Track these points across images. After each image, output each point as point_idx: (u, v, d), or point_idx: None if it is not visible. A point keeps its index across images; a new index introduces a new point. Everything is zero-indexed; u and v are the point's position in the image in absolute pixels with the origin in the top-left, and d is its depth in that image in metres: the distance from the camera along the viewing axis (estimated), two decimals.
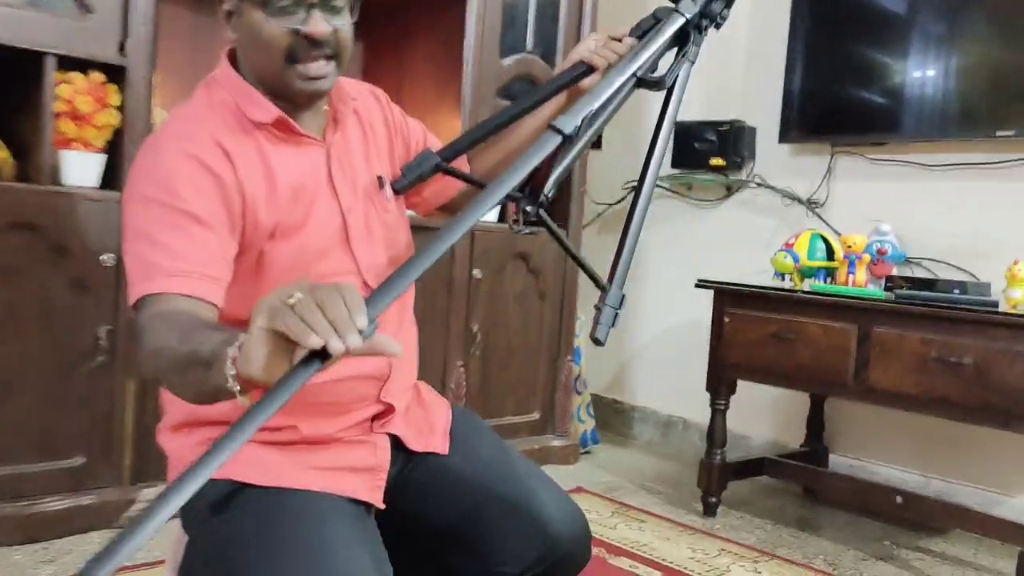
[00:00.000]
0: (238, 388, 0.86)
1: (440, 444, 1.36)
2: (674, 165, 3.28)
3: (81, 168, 2.01)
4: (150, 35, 2.06)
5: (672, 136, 1.39)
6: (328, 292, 0.80)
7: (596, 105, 1.18)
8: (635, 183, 3.47)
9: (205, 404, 0.97)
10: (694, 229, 3.32)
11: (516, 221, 1.18)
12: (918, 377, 2.09)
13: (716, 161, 3.15)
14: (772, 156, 3.09)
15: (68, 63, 1.97)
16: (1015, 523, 2.04)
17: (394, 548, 1.18)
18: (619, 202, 3.52)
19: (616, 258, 1.29)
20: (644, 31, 1.34)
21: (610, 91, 1.21)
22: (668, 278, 3.32)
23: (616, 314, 1.27)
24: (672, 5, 1.33)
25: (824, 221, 2.93)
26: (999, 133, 2.50)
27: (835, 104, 2.88)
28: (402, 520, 1.30)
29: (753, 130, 3.14)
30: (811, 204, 2.97)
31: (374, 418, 1.30)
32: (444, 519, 1.31)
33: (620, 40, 1.36)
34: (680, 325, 3.28)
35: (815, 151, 2.98)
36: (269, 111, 1.19)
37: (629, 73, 1.25)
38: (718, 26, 1.38)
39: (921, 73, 2.69)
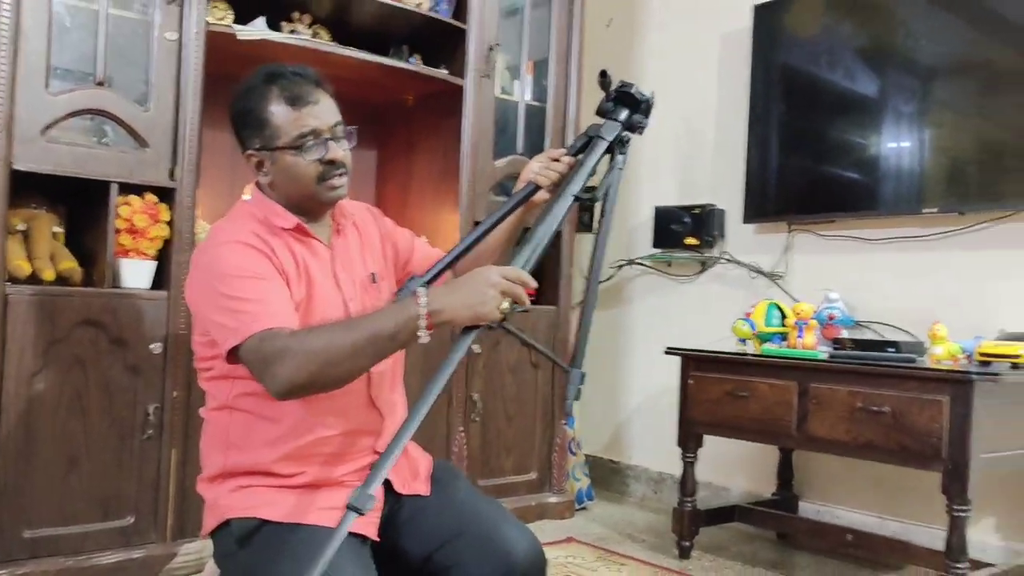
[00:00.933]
0: (425, 333, 1.38)
1: (423, 487, 1.71)
2: (655, 245, 3.67)
3: (136, 273, 2.43)
4: (195, 161, 2.50)
5: (607, 240, 1.72)
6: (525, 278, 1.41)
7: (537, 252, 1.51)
8: (623, 262, 3.86)
9: (362, 373, 1.46)
10: (674, 301, 3.68)
11: (489, 327, 1.48)
12: (848, 425, 2.41)
13: (691, 240, 3.53)
14: (739, 234, 3.47)
15: (128, 188, 2.41)
16: (936, 550, 2.33)
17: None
18: (608, 279, 3.90)
19: (576, 341, 1.62)
20: (578, 148, 1.71)
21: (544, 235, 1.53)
22: (653, 346, 3.65)
23: (579, 390, 1.60)
24: (600, 123, 1.68)
25: (785, 292, 3.28)
26: (924, 210, 2.86)
27: (789, 186, 3.27)
28: (391, 552, 1.64)
29: (722, 212, 3.52)
30: (773, 276, 3.33)
31: (370, 466, 1.66)
32: (424, 550, 1.63)
33: (559, 160, 1.74)
34: (665, 388, 3.60)
35: (775, 229, 3.35)
36: (289, 219, 1.61)
37: (568, 201, 1.60)
38: (640, 133, 1.74)
39: (860, 158, 3.06)
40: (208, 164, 2.74)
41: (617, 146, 1.68)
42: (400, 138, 3.43)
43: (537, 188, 1.72)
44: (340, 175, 1.60)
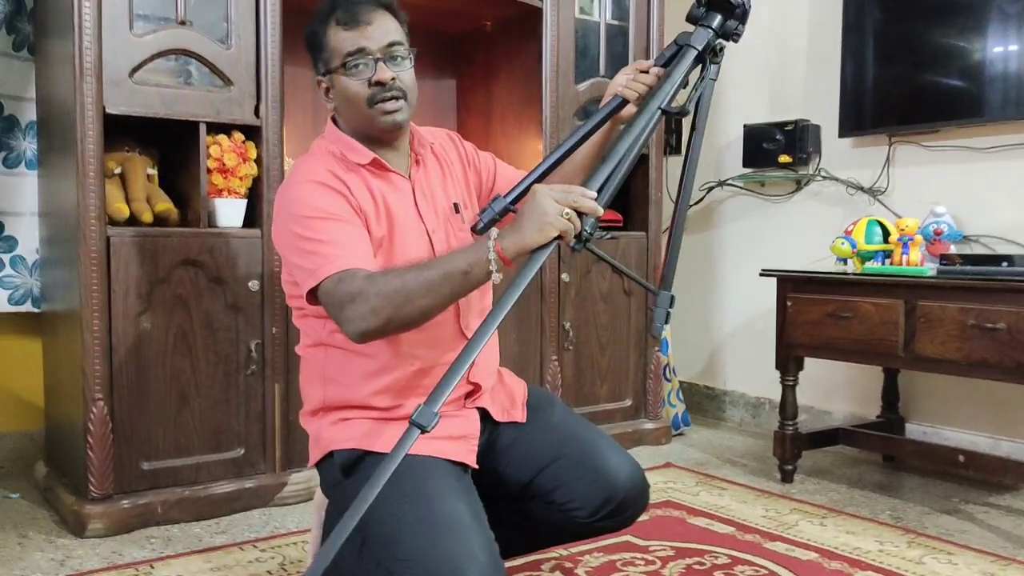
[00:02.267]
0: (496, 269, 1.36)
1: (519, 414, 1.71)
2: (746, 164, 3.54)
3: (230, 212, 2.47)
4: (278, 97, 2.50)
5: (698, 157, 1.64)
6: (577, 195, 1.37)
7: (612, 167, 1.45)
8: (713, 183, 3.76)
9: (437, 313, 1.44)
10: (768, 223, 3.56)
11: (572, 249, 1.43)
12: (959, 343, 2.30)
13: (784, 158, 3.39)
14: (835, 150, 3.31)
15: (216, 128, 2.43)
16: None
17: (486, 500, 1.52)
18: (698, 202, 3.79)
19: (664, 263, 1.58)
20: (667, 59, 1.62)
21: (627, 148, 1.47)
22: (747, 270, 3.56)
23: (668, 313, 1.56)
24: (690, 31, 1.59)
25: (887, 207, 3.13)
26: None
27: (888, 97, 3.09)
28: (492, 477, 1.65)
29: (817, 127, 3.36)
30: (873, 192, 3.17)
31: (466, 396, 1.67)
32: (524, 475, 1.65)
33: (647, 72, 1.66)
34: (761, 312, 3.52)
35: (874, 142, 3.18)
36: (365, 155, 1.59)
37: (652, 111, 1.53)
38: (735, 41, 1.64)
39: (964, 63, 2.87)
40: (292, 100, 2.75)
41: (709, 55, 1.59)
42: (479, 66, 3.37)
43: (624, 102, 1.66)
44: (393, 98, 1.55)
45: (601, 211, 1.39)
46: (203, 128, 2.40)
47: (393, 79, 1.54)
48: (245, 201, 2.49)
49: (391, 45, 1.56)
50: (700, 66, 1.59)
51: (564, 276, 3.06)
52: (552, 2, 3.03)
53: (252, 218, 2.52)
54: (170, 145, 2.53)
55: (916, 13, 2.99)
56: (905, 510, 2.54)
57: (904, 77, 3.03)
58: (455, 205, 1.70)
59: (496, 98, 3.30)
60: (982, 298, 2.29)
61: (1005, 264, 2.40)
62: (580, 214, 1.36)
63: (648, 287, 1.54)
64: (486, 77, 3.34)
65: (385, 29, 1.56)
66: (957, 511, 2.54)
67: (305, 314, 1.63)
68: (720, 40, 1.59)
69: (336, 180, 1.54)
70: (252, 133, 2.49)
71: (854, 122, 3.17)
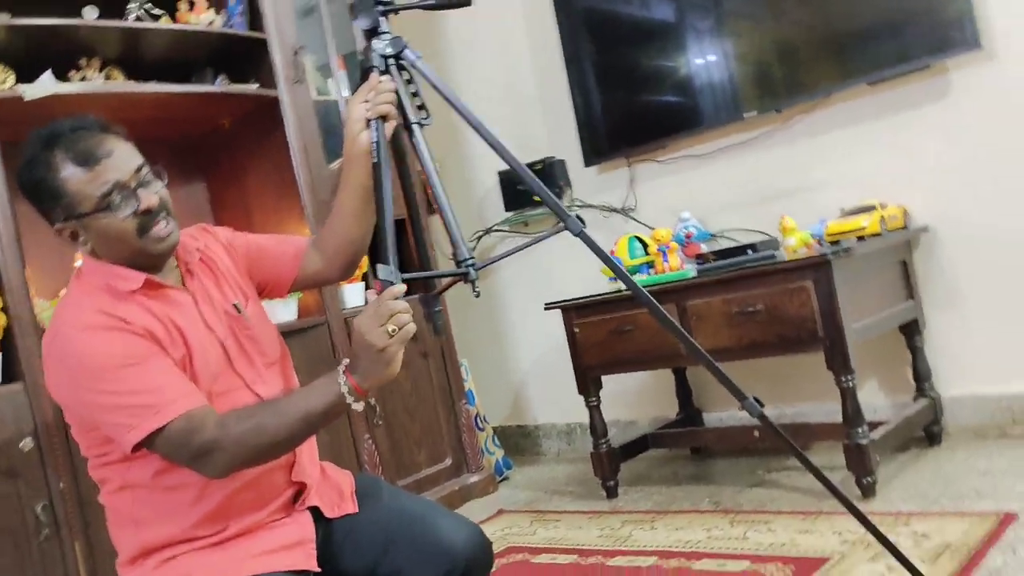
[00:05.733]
0: (356, 401, 1.36)
1: (350, 506, 1.68)
2: (507, 208, 3.70)
3: None
4: (13, 238, 2.33)
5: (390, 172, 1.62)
6: (390, 306, 1.33)
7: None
8: (481, 232, 3.84)
9: (303, 442, 1.45)
10: (540, 259, 3.73)
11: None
12: (729, 331, 2.53)
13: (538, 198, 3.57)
14: (584, 179, 3.54)
15: None
16: (837, 424, 2.49)
17: None
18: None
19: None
20: (367, 69, 1.60)
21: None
22: (532, 306, 3.71)
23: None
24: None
25: (640, 223, 3.38)
26: (745, 115, 3.01)
27: (618, 122, 3.37)
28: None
29: (563, 161, 3.59)
30: (625, 211, 3.43)
31: (293, 499, 1.62)
32: (366, 567, 1.60)
33: (380, 84, 1.60)
34: (553, 344, 3.66)
35: (615, 166, 3.44)
36: (136, 278, 1.48)
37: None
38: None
39: (674, 80, 3.18)
40: (29, 237, 2.56)
41: (394, 60, 1.61)
42: (227, 164, 3.31)
43: (385, 118, 1.60)
44: (163, 220, 1.49)
45: (407, 306, 1.37)
46: None
47: (160, 202, 1.49)
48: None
49: (139, 170, 1.49)
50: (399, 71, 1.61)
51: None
52: (287, 90, 3.05)
53: (11, 372, 2.31)
54: None
55: (625, 41, 3.29)
56: (721, 494, 2.73)
57: (627, 101, 3.31)
58: (235, 306, 1.65)
59: (251, 192, 3.25)
60: (739, 286, 2.53)
61: (750, 252, 2.67)
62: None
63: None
64: (236, 173, 3.28)
65: (126, 155, 1.48)
66: (764, 482, 2.77)
67: (107, 461, 1.51)
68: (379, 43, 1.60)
69: (110, 318, 1.43)
70: None
71: (594, 151, 3.42)
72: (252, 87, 3.03)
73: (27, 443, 2.27)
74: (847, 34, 2.80)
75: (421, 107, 1.63)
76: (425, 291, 1.63)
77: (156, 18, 2.88)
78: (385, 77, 1.60)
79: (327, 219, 1.72)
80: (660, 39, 3.21)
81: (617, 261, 2.95)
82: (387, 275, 1.40)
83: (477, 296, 1.59)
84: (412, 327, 1.35)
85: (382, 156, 1.56)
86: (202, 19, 2.96)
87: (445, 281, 1.71)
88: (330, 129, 3.23)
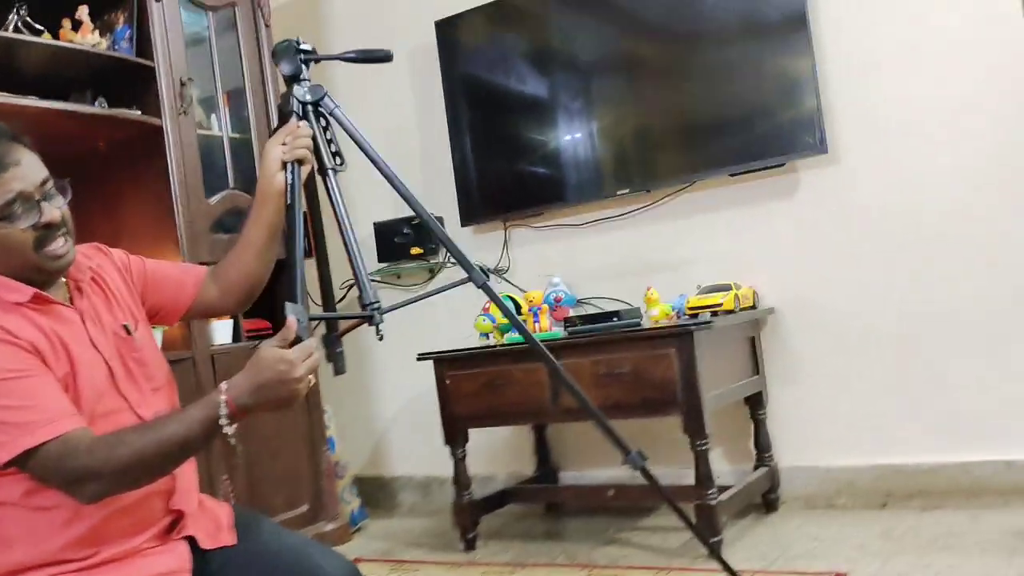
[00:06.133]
0: (230, 423, 1.35)
1: (228, 538, 1.66)
2: (380, 259, 3.75)
3: None
4: None
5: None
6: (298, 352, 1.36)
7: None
8: (352, 281, 3.83)
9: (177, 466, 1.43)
10: (410, 310, 3.75)
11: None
12: (596, 391, 2.66)
13: (415, 250, 3.65)
14: (460, 237, 3.64)
15: None
16: (688, 486, 2.66)
17: None
18: (340, 300, 3.91)
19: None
20: (286, 114, 1.67)
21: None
22: (398, 357, 3.73)
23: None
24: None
25: (512, 284, 3.51)
26: (619, 192, 3.22)
27: (495, 187, 3.52)
28: None
29: (440, 218, 3.68)
30: (499, 272, 3.55)
31: (169, 527, 1.59)
32: None
33: (297, 129, 1.67)
34: (418, 394, 3.70)
35: (491, 228, 3.58)
36: (24, 291, 1.45)
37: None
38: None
39: (547, 154, 3.37)
40: None
41: (312, 107, 1.69)
42: (100, 189, 3.20)
43: (300, 162, 1.66)
44: (62, 236, 1.47)
45: (313, 344, 1.42)
46: None
47: (61, 218, 1.46)
48: None
49: (44, 183, 1.46)
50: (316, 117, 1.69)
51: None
52: (171, 119, 3.01)
53: None
54: None
55: (504, 112, 3.46)
56: (575, 550, 2.83)
57: (505, 169, 3.47)
58: (125, 327, 1.63)
59: (124, 219, 3.16)
60: (606, 349, 2.68)
61: (615, 319, 2.84)
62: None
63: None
64: (109, 198, 3.18)
65: (34, 166, 1.45)
66: (616, 540, 2.89)
67: None
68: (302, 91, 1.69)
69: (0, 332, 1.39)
70: None
71: (471, 212, 3.54)
72: (135, 113, 2.98)
73: None
74: (714, 128, 3.08)
75: (336, 153, 1.71)
76: (328, 332, 1.67)
77: (38, 32, 2.80)
78: (303, 123, 1.67)
79: (229, 252, 1.74)
80: (535, 111, 3.40)
81: (490, 318, 3.06)
82: (295, 312, 1.43)
83: (380, 339, 1.66)
84: (314, 361, 1.40)
85: (296, 198, 1.63)
86: (87, 40, 2.90)
87: (348, 323, 1.76)
88: (211, 165, 3.20)
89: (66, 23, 2.90)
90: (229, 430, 1.36)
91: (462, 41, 3.55)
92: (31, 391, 1.36)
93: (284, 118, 1.68)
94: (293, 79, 1.71)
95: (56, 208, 1.46)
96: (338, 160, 1.71)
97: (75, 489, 1.35)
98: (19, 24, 2.76)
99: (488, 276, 1.72)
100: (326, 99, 1.70)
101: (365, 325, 1.73)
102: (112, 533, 1.48)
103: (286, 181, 1.65)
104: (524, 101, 3.44)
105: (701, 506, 2.56)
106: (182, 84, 3.08)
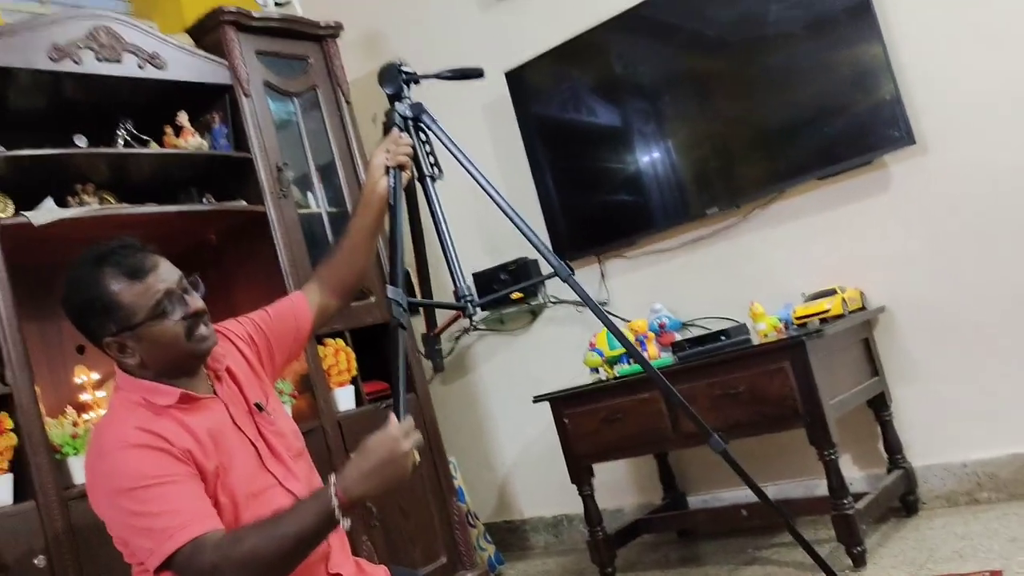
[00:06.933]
0: (344, 517, 1.41)
1: None
2: (483, 308, 3.84)
3: None
4: (23, 359, 2.38)
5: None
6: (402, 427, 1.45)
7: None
8: (459, 332, 3.92)
9: (301, 561, 1.46)
10: (518, 354, 3.86)
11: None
12: (715, 413, 2.67)
13: (515, 295, 3.73)
14: (556, 279, 3.70)
15: None
16: (822, 497, 2.62)
17: None
18: (450, 353, 4.02)
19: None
20: (391, 124, 1.91)
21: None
22: (512, 401, 3.82)
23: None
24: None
25: (615, 315, 3.54)
26: (707, 211, 3.24)
27: (584, 222, 3.58)
28: None
29: (535, 261, 3.75)
30: (600, 306, 3.59)
31: None
32: None
33: (399, 139, 1.90)
34: (535, 436, 3.76)
35: (586, 263, 3.62)
36: (171, 393, 1.59)
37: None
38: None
39: (630, 181, 3.41)
40: (37, 357, 2.61)
41: (412, 121, 1.93)
42: (214, 277, 3.40)
43: (402, 168, 1.88)
44: (206, 323, 1.62)
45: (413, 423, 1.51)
46: None
47: (203, 306, 1.60)
48: (11, 475, 2.31)
49: (181, 279, 1.62)
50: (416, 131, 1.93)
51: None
52: (273, 205, 3.18)
53: (23, 491, 2.33)
54: None
55: (583, 147, 3.53)
56: (716, 573, 2.82)
57: (591, 202, 3.53)
58: (257, 405, 1.74)
59: (239, 303, 3.33)
60: (719, 370, 2.69)
61: (723, 338, 2.84)
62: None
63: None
64: (224, 286, 3.37)
65: (169, 267, 1.62)
66: (757, 559, 2.87)
67: (144, 570, 1.57)
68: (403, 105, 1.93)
69: (150, 436, 1.51)
70: (2, 403, 2.33)
71: (564, 250, 3.60)
72: (240, 203, 3.16)
73: (40, 560, 2.27)
74: (793, 132, 3.06)
75: (435, 164, 1.90)
76: (427, 331, 1.84)
77: (144, 143, 3.01)
78: (404, 134, 1.89)
79: (331, 256, 1.91)
80: (611, 143, 3.45)
81: (598, 352, 3.10)
82: (394, 295, 1.67)
83: (437, 371, 1.81)
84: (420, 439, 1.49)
85: (397, 200, 1.82)
86: (190, 143, 3.10)
87: (445, 320, 1.93)
88: (314, 239, 3.36)
89: (168, 130, 3.11)
90: (344, 523, 1.43)
91: (532, 86, 3.64)
92: (172, 498, 1.46)
93: (387, 130, 1.89)
94: (395, 97, 1.92)
95: (198, 299, 1.60)
96: (436, 170, 1.88)
97: None
98: (127, 137, 2.98)
99: (573, 271, 1.88)
100: (424, 115, 1.91)
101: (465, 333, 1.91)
102: None
103: (388, 185, 1.83)
104: (599, 132, 3.50)
105: (838, 516, 2.53)
106: (279, 170, 3.26)
